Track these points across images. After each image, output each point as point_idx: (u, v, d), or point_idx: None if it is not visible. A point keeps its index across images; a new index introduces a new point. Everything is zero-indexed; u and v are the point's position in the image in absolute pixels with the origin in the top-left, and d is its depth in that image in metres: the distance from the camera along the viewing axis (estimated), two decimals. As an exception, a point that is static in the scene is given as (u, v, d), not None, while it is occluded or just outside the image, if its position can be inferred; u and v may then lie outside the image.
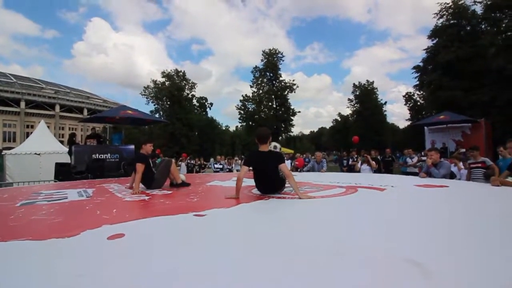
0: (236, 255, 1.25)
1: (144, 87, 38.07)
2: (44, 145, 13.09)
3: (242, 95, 33.49)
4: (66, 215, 2.25)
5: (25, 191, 4.20)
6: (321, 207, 2.49)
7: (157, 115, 39.14)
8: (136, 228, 1.77)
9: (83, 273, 1.05)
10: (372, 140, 31.77)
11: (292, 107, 33.20)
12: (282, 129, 32.93)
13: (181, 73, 37.69)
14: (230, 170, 9.46)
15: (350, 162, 8.06)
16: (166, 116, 37.20)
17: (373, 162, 6.70)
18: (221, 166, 9.67)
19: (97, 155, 9.12)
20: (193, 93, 39.56)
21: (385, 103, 36.28)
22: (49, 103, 62.79)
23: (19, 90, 58.84)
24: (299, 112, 34.91)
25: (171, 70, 37.45)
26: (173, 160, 4.38)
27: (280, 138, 37.43)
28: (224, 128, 55.65)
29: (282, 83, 32.58)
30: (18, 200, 3.15)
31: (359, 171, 6.86)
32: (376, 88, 35.52)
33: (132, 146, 10.21)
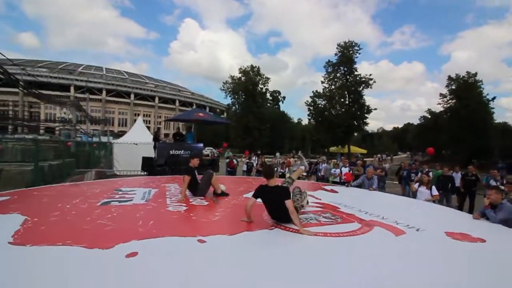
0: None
1: (223, 82, 41.35)
2: (140, 136, 16.09)
3: (312, 91, 32.73)
4: (119, 223, 3.10)
5: (112, 185, 5.60)
6: (314, 247, 2.64)
7: (233, 108, 42.13)
8: (150, 246, 2.39)
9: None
10: (471, 145, 26.47)
11: (367, 104, 30.53)
12: (354, 127, 30.69)
13: (256, 69, 39.36)
14: (283, 175, 9.78)
15: (412, 178, 7.28)
16: (241, 109, 39.69)
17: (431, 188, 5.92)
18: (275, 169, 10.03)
19: (174, 151, 10.75)
20: (266, 87, 40.88)
21: (493, 98, 29.35)
22: (151, 96, 74.61)
23: (130, 84, 71.95)
24: (375, 109, 31.64)
25: (247, 66, 39.59)
26: (214, 173, 5.04)
27: (354, 135, 35.15)
28: (296, 121, 55.67)
29: (357, 78, 30.13)
30: (101, 197, 4.34)
31: (414, 195, 6.20)
32: (480, 81, 28.98)
33: (201, 144, 11.67)
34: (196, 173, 4.93)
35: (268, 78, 39.86)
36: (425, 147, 22.26)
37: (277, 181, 3.34)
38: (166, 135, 11.75)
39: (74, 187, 5.68)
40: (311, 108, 32.40)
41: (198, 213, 3.77)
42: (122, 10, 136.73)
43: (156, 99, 75.31)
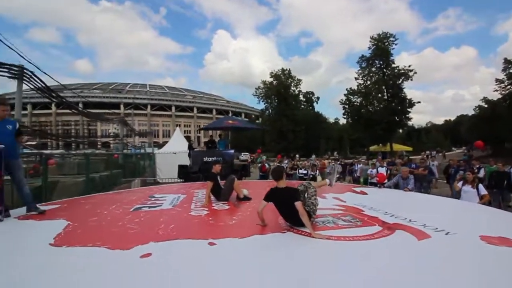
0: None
1: (256, 88, 41.98)
2: (179, 146, 17.11)
3: (346, 89, 31.39)
4: (143, 226, 3.38)
5: (148, 193, 6.08)
6: (322, 251, 2.59)
7: (267, 113, 42.41)
8: (164, 248, 2.58)
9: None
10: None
11: (408, 97, 28.24)
12: (395, 123, 28.55)
13: (287, 71, 39.23)
14: (314, 178, 9.57)
15: (457, 177, 6.59)
16: (275, 113, 39.78)
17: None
18: (305, 172, 9.90)
19: (207, 158, 11.22)
20: (299, 89, 40.47)
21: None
22: (189, 107, 78.73)
23: (171, 98, 76.90)
24: (418, 102, 29.02)
25: (278, 70, 39.70)
26: (235, 178, 5.17)
27: (396, 132, 32.76)
28: (332, 121, 53.86)
29: (395, 71, 28.09)
30: (135, 204, 4.76)
31: (458, 195, 5.60)
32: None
33: (232, 151, 12.02)
34: (219, 179, 5.12)
35: (299, 80, 39.53)
36: (482, 140, 19.82)
37: (286, 183, 3.32)
38: (211, 142, 12.46)
39: (116, 195, 6.28)
40: (346, 106, 31.12)
41: (218, 217, 3.92)
42: (160, 30, 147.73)
43: (195, 110, 79.23)
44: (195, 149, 12.07)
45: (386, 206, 4.33)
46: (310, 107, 45.61)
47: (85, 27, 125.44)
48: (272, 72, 39.46)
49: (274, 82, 39.36)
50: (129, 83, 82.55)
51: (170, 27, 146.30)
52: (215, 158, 11.28)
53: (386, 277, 2.00)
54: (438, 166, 12.35)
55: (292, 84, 39.39)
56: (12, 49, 6.45)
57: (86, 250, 2.53)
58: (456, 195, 5.93)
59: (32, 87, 7.76)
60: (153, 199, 5.30)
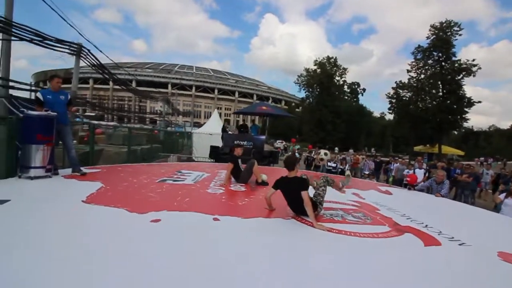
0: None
1: (298, 75, 40.99)
2: (215, 128, 17.80)
3: (395, 82, 28.85)
4: (162, 196, 3.72)
5: (177, 168, 6.56)
6: (318, 242, 2.61)
7: (307, 102, 41.46)
8: (173, 217, 2.85)
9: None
10: None
11: (467, 95, 24.98)
12: (449, 123, 25.58)
13: (333, 60, 37.44)
14: (342, 172, 9.30)
15: (500, 188, 5.90)
16: (315, 103, 38.65)
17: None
18: (334, 165, 9.65)
19: (238, 141, 11.53)
20: (344, 78, 38.52)
21: None
22: (231, 90, 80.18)
23: (214, 81, 79.01)
24: (479, 102, 25.46)
25: (322, 58, 38.05)
26: (255, 162, 5.29)
27: (450, 133, 29.61)
28: (378, 116, 50.58)
29: (456, 65, 24.86)
30: (162, 176, 5.20)
31: (498, 207, 5.03)
32: None
33: (263, 137, 12.16)
34: (240, 162, 5.31)
35: (345, 69, 37.48)
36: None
37: (295, 173, 3.35)
38: (243, 126, 12.77)
39: (150, 166, 6.88)
40: (393, 101, 28.80)
41: (231, 197, 4.12)
42: (210, 13, 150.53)
43: (236, 94, 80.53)
44: (228, 132, 12.43)
45: (406, 208, 4.11)
46: (354, 99, 43.32)
47: (144, 9, 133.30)
48: (317, 60, 38.04)
49: (318, 70, 37.96)
50: (178, 64, 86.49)
51: (220, 10, 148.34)
52: (245, 142, 11.59)
53: (367, 275, 1.98)
54: (493, 175, 11.03)
55: (337, 74, 37.59)
56: (74, 28, 7.26)
57: (108, 209, 2.91)
58: (498, 208, 5.35)
59: (88, 63, 8.63)
60: (179, 174, 5.72)
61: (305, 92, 40.90)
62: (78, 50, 7.45)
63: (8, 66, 5.83)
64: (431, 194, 5.79)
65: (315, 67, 38.04)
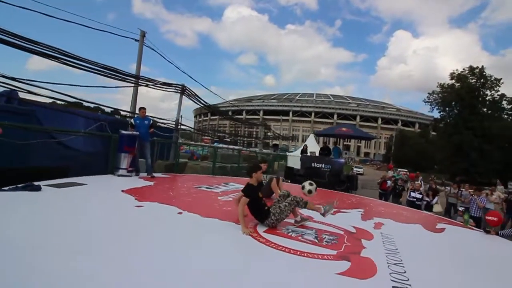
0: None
1: (429, 93, 34.59)
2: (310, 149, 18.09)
3: None
4: (178, 194, 4.71)
5: (226, 180, 7.54)
6: (238, 247, 2.77)
7: (442, 124, 34.28)
8: (157, 207, 3.74)
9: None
10: None
11: None
12: None
13: (477, 70, 29.37)
14: (428, 207, 7.38)
15: None
16: (454, 124, 31.07)
17: None
18: (419, 196, 7.75)
19: (315, 163, 11.47)
20: (497, 92, 29.25)
21: None
22: (352, 115, 76.61)
23: (334, 106, 78.24)
24: None
25: (463, 69, 30.58)
26: (274, 178, 5.43)
27: None
28: None
29: None
30: (205, 184, 6.27)
31: None
32: None
33: (343, 160, 11.40)
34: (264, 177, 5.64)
35: (498, 80, 28.28)
36: None
37: (256, 181, 3.49)
38: (325, 148, 12.30)
39: (211, 178, 8.16)
40: None
41: (229, 204, 4.59)
42: (334, 42, 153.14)
43: (358, 118, 76.07)
44: (306, 154, 12.48)
45: (429, 257, 3.23)
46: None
47: (274, 49, 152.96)
48: (454, 73, 30.93)
49: (457, 84, 30.74)
50: (299, 93, 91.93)
51: (343, 37, 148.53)
52: (323, 164, 11.33)
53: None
54: None
55: (485, 87, 28.99)
56: (181, 70, 10.01)
57: (128, 197, 4.15)
58: None
59: (193, 100, 11.33)
60: (222, 184, 6.64)
61: (440, 112, 33.69)
62: (181, 89, 10.13)
63: (135, 104, 8.84)
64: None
65: (452, 81, 30.99)
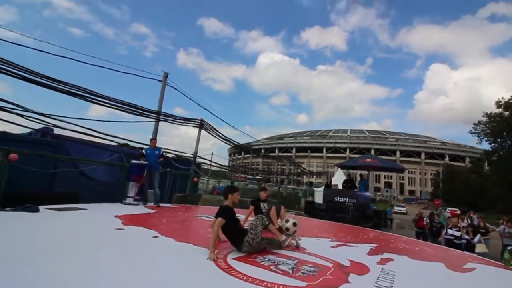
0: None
1: (474, 123, 31.66)
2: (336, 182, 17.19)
3: None
4: (172, 222, 4.61)
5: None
6: (191, 268, 2.52)
7: (495, 156, 30.62)
8: (136, 230, 3.66)
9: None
10: None
11: None
12: None
13: (530, 96, 26.39)
14: (469, 246, 6.14)
15: None
16: (508, 157, 27.47)
17: None
18: (457, 234, 6.53)
19: (339, 197, 10.67)
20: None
21: None
22: (391, 150, 72.34)
23: (370, 141, 75.07)
24: None
25: (511, 96, 27.77)
26: (273, 207, 5.05)
27: None
28: None
29: None
30: (206, 214, 6.10)
31: None
32: None
33: (368, 193, 10.44)
34: (262, 205, 5.33)
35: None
36: None
37: (232, 203, 3.32)
38: (349, 181, 11.22)
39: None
40: None
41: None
42: (366, 79, 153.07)
43: (397, 153, 71.45)
44: (329, 188, 11.71)
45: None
46: None
47: (305, 89, 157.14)
48: (500, 101, 28.20)
49: (505, 113, 27.80)
50: (332, 129, 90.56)
51: (376, 74, 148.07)
52: (347, 198, 10.49)
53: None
54: None
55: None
56: (201, 107, 10.58)
57: (128, 227, 4.18)
58: None
59: (212, 134, 11.73)
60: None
61: (490, 144, 30.21)
62: (200, 124, 10.60)
63: (156, 135, 9.36)
64: None
65: (500, 109, 28.11)
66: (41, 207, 4.29)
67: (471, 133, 31.83)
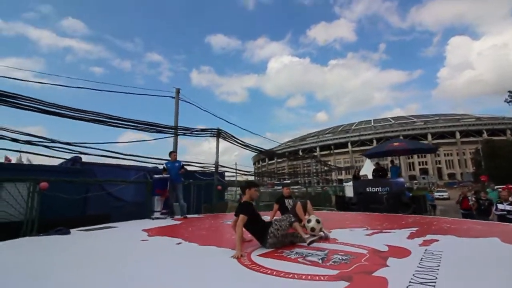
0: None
1: (509, 91, 29.15)
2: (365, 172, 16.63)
3: None
4: (200, 230, 4.55)
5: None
6: (211, 268, 2.40)
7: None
8: (160, 239, 3.64)
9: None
10: None
11: None
12: None
13: None
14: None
15: None
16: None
17: None
18: (509, 208, 5.84)
19: (370, 188, 10.11)
20: None
21: None
22: (421, 134, 68.38)
23: (397, 128, 71.59)
24: None
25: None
26: (299, 203, 4.83)
27: None
28: None
29: None
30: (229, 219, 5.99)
31: None
32: None
33: (402, 179, 9.79)
34: (287, 202, 5.12)
35: None
36: None
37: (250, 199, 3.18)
38: (379, 169, 10.50)
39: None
40: None
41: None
42: (382, 65, 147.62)
43: (429, 136, 67.35)
44: (359, 179, 11.15)
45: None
46: None
47: (320, 86, 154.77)
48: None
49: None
50: (354, 122, 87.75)
51: (391, 59, 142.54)
52: (380, 188, 9.93)
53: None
54: None
55: None
56: (217, 116, 10.64)
57: (153, 237, 4.19)
58: None
59: (230, 141, 11.74)
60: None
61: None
62: (217, 133, 10.66)
63: (176, 148, 9.53)
64: None
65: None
66: (72, 230, 4.43)
67: (508, 102, 29.30)
